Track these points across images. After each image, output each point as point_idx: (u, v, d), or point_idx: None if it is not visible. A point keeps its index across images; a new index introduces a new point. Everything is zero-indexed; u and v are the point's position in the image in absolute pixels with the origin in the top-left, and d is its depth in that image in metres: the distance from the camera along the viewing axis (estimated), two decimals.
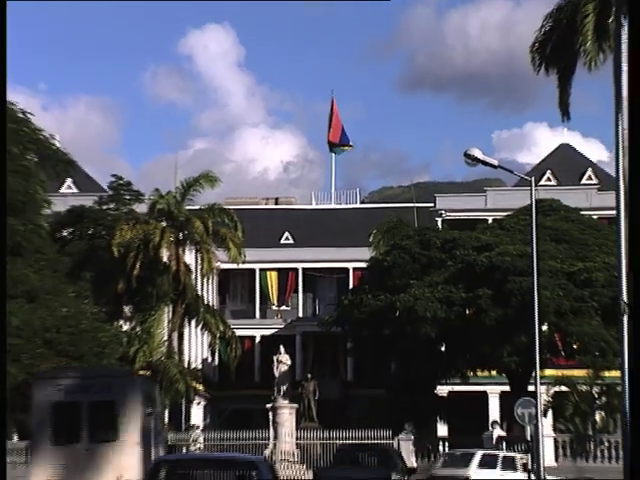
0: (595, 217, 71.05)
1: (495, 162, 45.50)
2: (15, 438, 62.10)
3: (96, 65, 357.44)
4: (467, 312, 62.65)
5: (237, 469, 28.12)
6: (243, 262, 75.41)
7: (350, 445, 52.76)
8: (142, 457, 33.43)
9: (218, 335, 74.06)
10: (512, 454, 50.34)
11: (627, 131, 28.40)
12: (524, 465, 48.17)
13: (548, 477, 44.51)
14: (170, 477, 26.67)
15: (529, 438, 50.80)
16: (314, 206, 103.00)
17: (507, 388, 66.27)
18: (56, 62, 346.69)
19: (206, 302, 77.45)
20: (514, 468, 47.81)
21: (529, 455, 49.06)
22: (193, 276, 73.78)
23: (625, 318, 26.84)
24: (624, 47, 30.01)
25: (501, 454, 49.51)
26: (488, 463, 47.16)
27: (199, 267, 73.79)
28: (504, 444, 58.67)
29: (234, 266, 77.86)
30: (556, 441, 55.33)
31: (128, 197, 73.41)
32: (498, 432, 61.81)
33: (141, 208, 72.25)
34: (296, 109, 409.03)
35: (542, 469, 44.09)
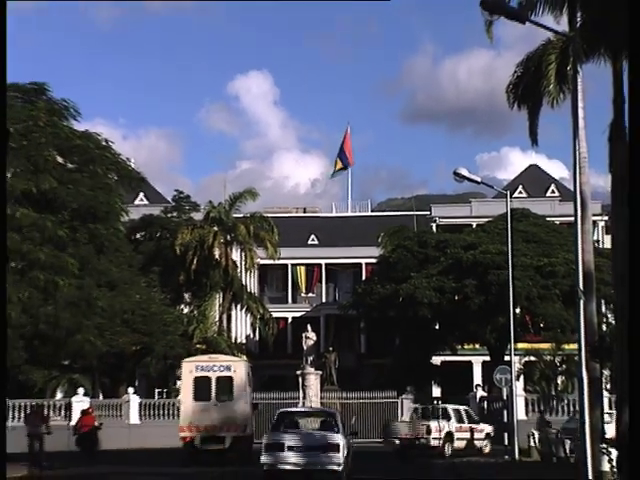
0: (557, 222, 69.83)
1: (478, 179, 46.62)
2: (100, 396, 62.70)
3: (163, 103, 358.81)
4: (456, 298, 62.38)
5: (325, 416, 31.60)
6: (278, 258, 75.88)
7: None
8: (249, 409, 41.59)
9: (258, 316, 74.84)
10: (459, 407, 49.40)
11: (580, 153, 27.78)
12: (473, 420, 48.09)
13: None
14: (287, 422, 30.20)
15: (505, 397, 50.55)
16: (334, 214, 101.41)
17: (487, 358, 65.88)
18: (132, 101, 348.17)
19: (249, 290, 77.06)
20: (462, 420, 47.08)
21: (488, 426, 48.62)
22: (238, 270, 74.17)
23: (581, 302, 25.19)
24: (579, 88, 28.94)
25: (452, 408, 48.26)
26: (444, 415, 46.31)
27: (243, 263, 74.37)
28: (485, 402, 58.52)
29: (271, 262, 77.50)
30: (526, 400, 54.48)
31: (188, 207, 74.31)
32: (480, 393, 60.95)
33: (198, 216, 72.75)
34: (321, 137, 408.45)
35: (515, 421, 43.95)
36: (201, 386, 41.25)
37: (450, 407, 48.17)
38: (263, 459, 27.47)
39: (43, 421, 40.70)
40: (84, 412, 47.73)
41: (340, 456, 27.47)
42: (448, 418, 46.10)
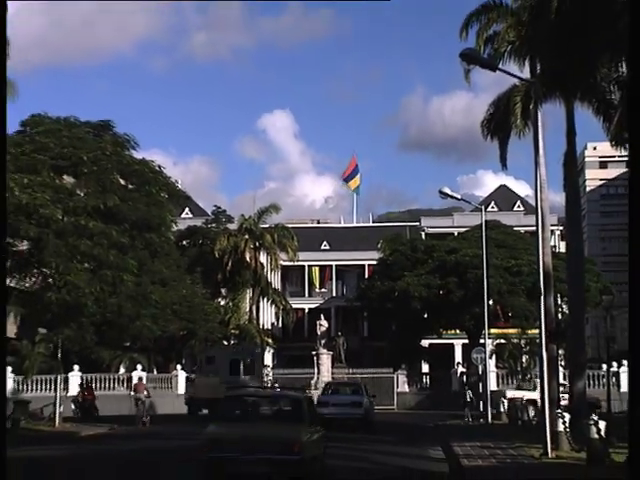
0: (522, 231, 69.93)
1: (459, 196, 47.12)
2: (155, 371, 62.60)
3: (205, 135, 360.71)
4: (441, 292, 62.35)
5: (354, 386, 38.00)
6: (297, 261, 75.36)
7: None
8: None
9: (281, 307, 74.79)
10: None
11: (540, 176, 27.75)
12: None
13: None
14: (331, 389, 35.81)
15: (480, 372, 50.58)
16: (342, 225, 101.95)
17: (466, 341, 65.67)
18: (181, 134, 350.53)
19: (273, 287, 76.94)
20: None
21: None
22: (265, 270, 73.60)
23: (541, 296, 25.05)
24: (540, 123, 28.74)
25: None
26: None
27: (269, 264, 73.94)
28: (464, 376, 58.38)
29: (291, 263, 76.95)
30: (497, 374, 55.17)
31: (224, 219, 74.98)
32: (461, 369, 61.50)
33: (232, 226, 72.70)
34: (332, 163, 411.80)
35: (489, 391, 44.17)
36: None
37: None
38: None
39: (144, 389, 42.91)
40: (83, 387, 48.14)
41: (362, 410, 36.57)
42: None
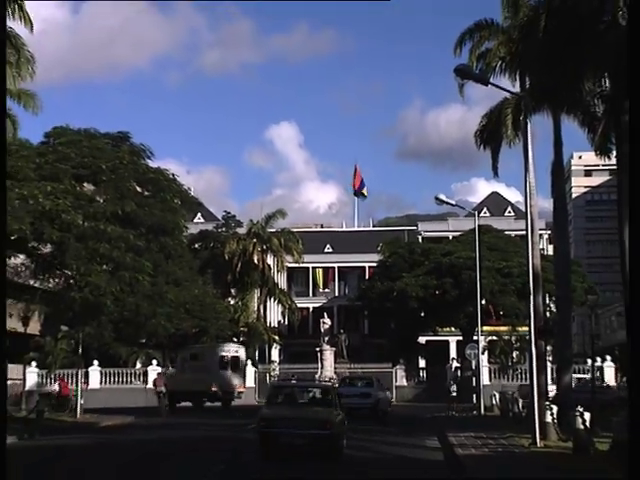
0: (513, 235, 69.39)
1: (453, 202, 47.35)
2: (170, 368, 62.77)
3: (216, 146, 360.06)
4: (437, 292, 62.11)
5: (367, 379, 37.02)
6: (302, 262, 75.32)
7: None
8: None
9: (287, 306, 74.52)
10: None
11: (529, 183, 27.53)
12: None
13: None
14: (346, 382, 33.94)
15: (473, 367, 50.44)
16: (345, 229, 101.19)
17: (460, 338, 65.23)
18: (194, 145, 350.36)
19: (280, 287, 76.72)
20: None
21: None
22: (272, 271, 73.58)
23: (531, 296, 25.03)
24: (529, 134, 28.72)
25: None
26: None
27: (276, 266, 73.93)
28: (459, 371, 58.34)
29: (296, 265, 76.83)
30: (490, 369, 55.09)
31: (234, 224, 74.24)
32: (455, 364, 61.42)
33: (241, 231, 72.47)
34: (335, 171, 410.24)
35: (481, 385, 44.18)
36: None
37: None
38: None
39: (164, 383, 43.10)
40: (60, 383, 46.74)
41: (372, 400, 38.19)
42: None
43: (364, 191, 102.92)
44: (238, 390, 49.39)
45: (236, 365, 50.75)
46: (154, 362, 56.64)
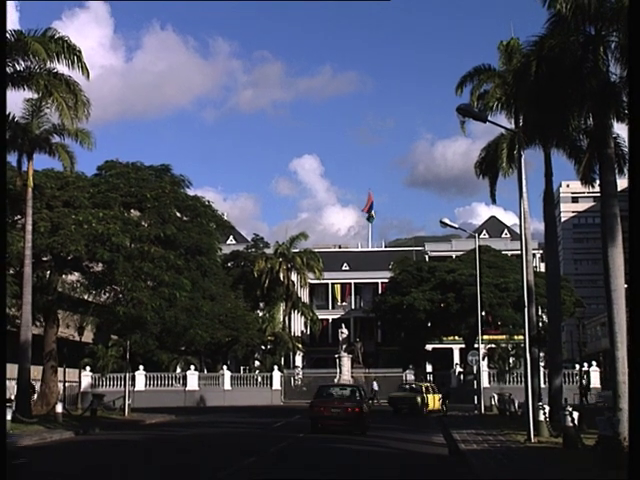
0: (509, 254, 69.78)
1: (456, 225, 47.24)
2: (205, 370, 62.21)
3: (249, 176, 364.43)
4: (441, 305, 62.20)
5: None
6: (322, 279, 75.48)
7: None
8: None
9: (309, 318, 74.38)
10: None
11: (523, 208, 27.74)
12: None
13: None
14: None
15: (475, 372, 50.06)
16: (360, 249, 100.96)
17: (463, 346, 65.74)
18: (229, 175, 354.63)
19: (303, 301, 77.23)
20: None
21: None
22: (296, 287, 73.46)
23: (525, 308, 24.48)
24: (523, 165, 28.63)
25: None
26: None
27: (299, 282, 73.54)
28: (461, 375, 58.27)
29: (317, 281, 77.33)
30: (489, 373, 54.58)
31: (262, 245, 74.82)
32: (459, 369, 61.26)
33: (269, 251, 72.72)
34: (353, 198, 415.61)
35: (482, 388, 43.87)
36: None
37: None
38: None
39: None
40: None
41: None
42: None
43: (372, 213, 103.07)
44: None
45: None
46: (192, 368, 56.76)
